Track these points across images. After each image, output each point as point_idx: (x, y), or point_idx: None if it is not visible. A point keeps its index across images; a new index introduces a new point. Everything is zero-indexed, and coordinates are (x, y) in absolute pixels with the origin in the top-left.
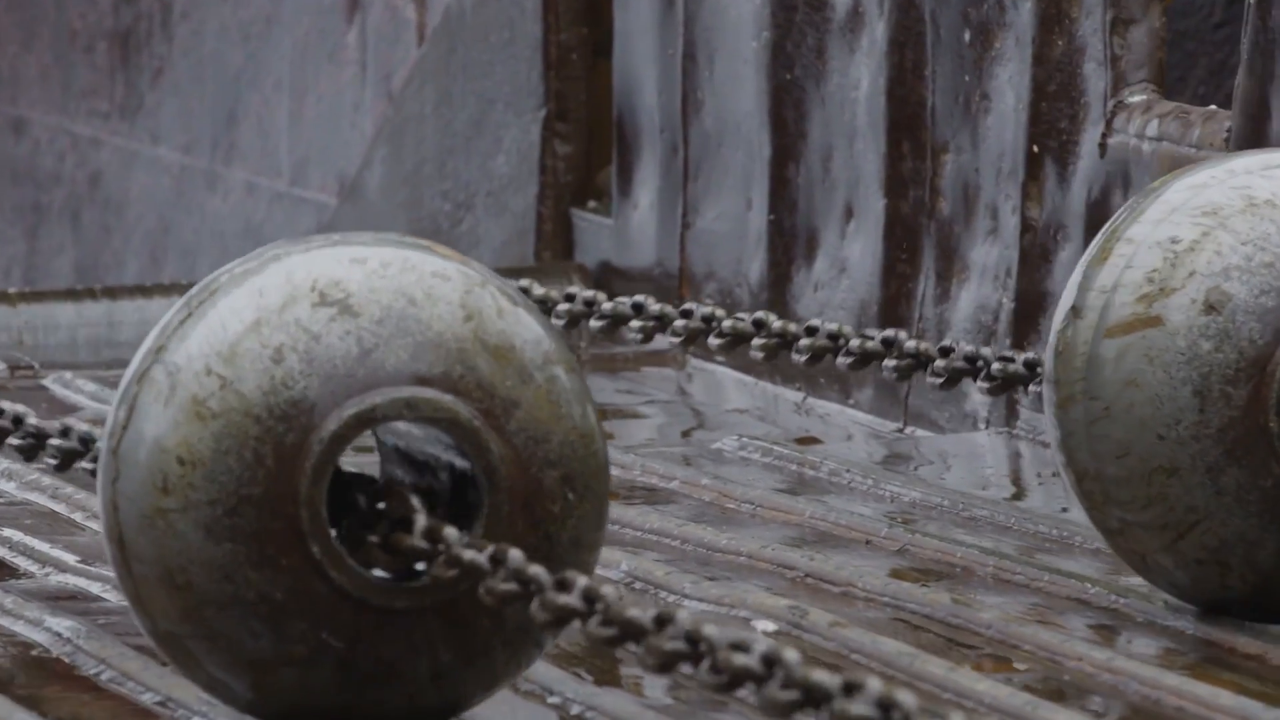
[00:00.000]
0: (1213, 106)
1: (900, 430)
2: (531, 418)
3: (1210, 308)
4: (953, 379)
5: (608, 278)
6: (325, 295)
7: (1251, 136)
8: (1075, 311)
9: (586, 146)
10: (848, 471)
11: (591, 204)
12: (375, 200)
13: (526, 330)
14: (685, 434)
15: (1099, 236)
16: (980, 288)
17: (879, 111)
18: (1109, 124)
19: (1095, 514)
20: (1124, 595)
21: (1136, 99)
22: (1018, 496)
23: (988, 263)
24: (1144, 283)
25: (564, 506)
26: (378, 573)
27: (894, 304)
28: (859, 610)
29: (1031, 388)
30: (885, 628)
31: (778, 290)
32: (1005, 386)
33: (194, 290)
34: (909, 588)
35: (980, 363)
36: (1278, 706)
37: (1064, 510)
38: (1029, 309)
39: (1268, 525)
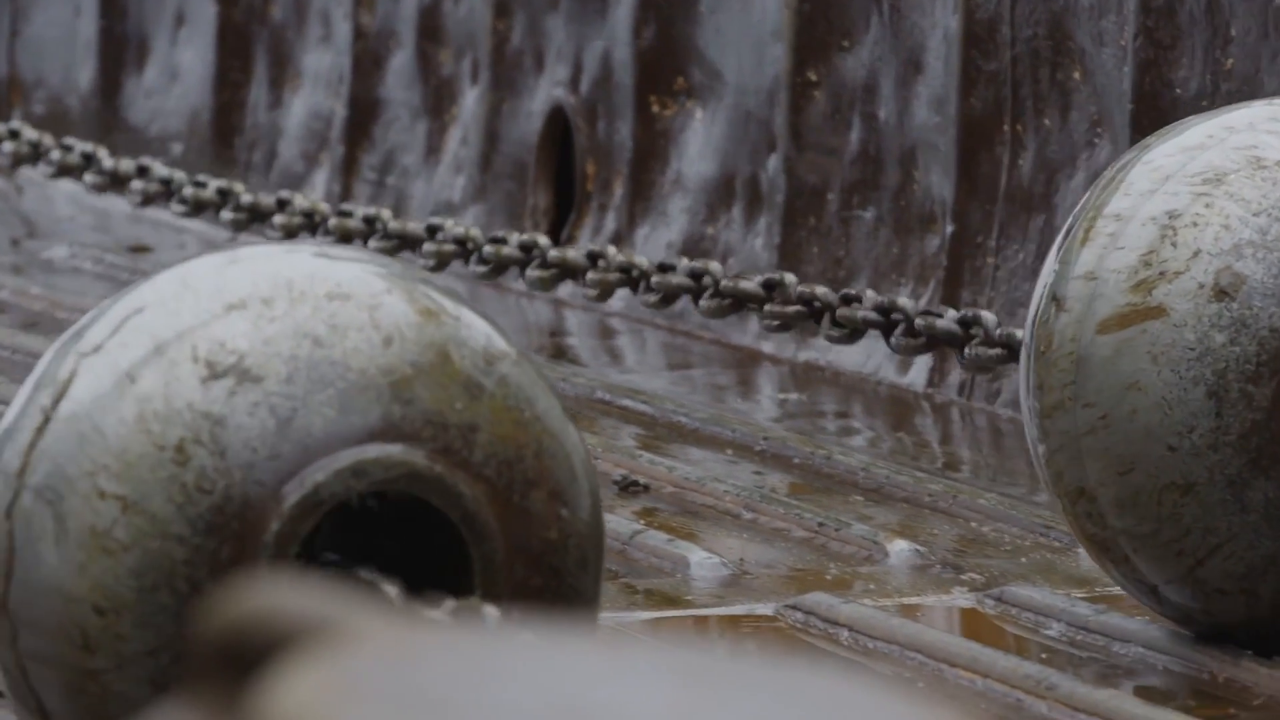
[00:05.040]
0: None
1: (232, 238)
2: (495, 437)
3: (1222, 293)
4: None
5: None
6: (214, 364)
7: None
8: (1057, 302)
9: None
10: None
11: None
12: None
13: (455, 329)
14: (15, 243)
15: (1075, 214)
16: (313, 94)
17: None
18: None
19: (1093, 540)
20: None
21: None
22: None
23: (320, 69)
24: (1139, 266)
25: (561, 529)
26: None
27: (226, 112)
28: None
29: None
30: None
31: (108, 98)
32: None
33: (35, 379)
34: None
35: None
36: None
37: None
38: (361, 116)
39: None
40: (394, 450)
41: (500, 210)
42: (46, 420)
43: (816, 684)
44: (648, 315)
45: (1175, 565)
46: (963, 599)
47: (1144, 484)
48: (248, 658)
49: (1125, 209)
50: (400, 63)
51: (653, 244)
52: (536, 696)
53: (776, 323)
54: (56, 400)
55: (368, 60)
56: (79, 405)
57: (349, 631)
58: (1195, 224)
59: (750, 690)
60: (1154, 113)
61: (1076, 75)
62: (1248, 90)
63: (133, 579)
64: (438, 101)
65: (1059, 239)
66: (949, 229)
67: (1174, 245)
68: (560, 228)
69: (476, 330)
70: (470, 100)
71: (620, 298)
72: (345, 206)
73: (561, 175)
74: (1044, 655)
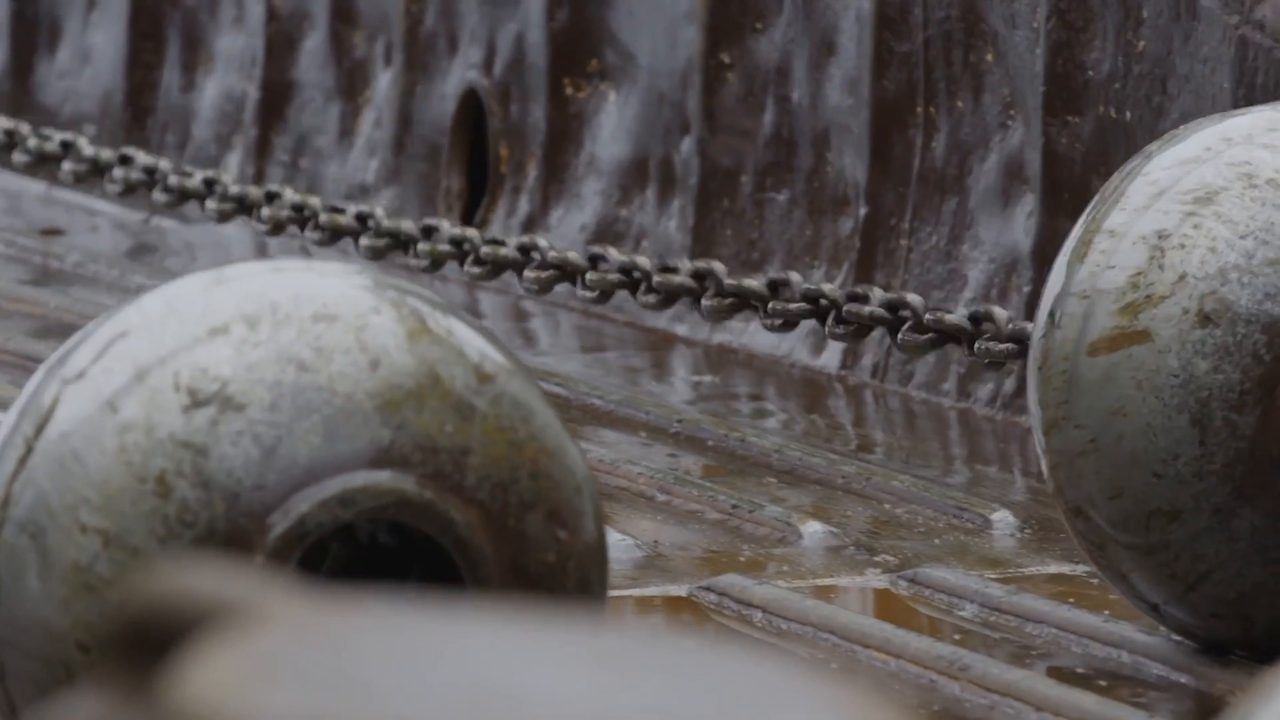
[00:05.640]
0: None
1: (146, 221)
2: (488, 459)
3: (1206, 319)
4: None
5: None
6: (196, 392)
7: None
8: (1052, 320)
9: None
10: (93, 263)
11: None
12: None
13: (446, 348)
14: None
15: (1079, 225)
16: (226, 76)
17: None
18: None
19: (1096, 557)
20: None
21: None
22: None
23: (233, 51)
24: (1127, 288)
25: (559, 551)
26: None
27: (139, 94)
28: None
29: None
30: None
31: (20, 80)
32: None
33: (20, 405)
34: None
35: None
36: None
37: None
38: (274, 98)
39: None
40: (382, 477)
41: (414, 193)
42: (29, 450)
43: (730, 665)
44: (561, 298)
45: (1169, 588)
46: (876, 580)
47: (1132, 510)
48: (160, 641)
49: (1120, 225)
50: (313, 44)
51: (566, 226)
52: (452, 677)
53: (709, 316)
54: (39, 429)
55: (281, 42)
56: (61, 435)
57: (263, 613)
58: (1183, 245)
59: (664, 672)
60: (1066, 94)
61: (989, 57)
62: (1159, 72)
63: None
64: (351, 84)
65: (1067, 245)
66: (862, 211)
67: (1161, 268)
68: (473, 210)
69: (469, 347)
70: (384, 82)
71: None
72: (272, 188)
73: (475, 158)
74: (957, 636)
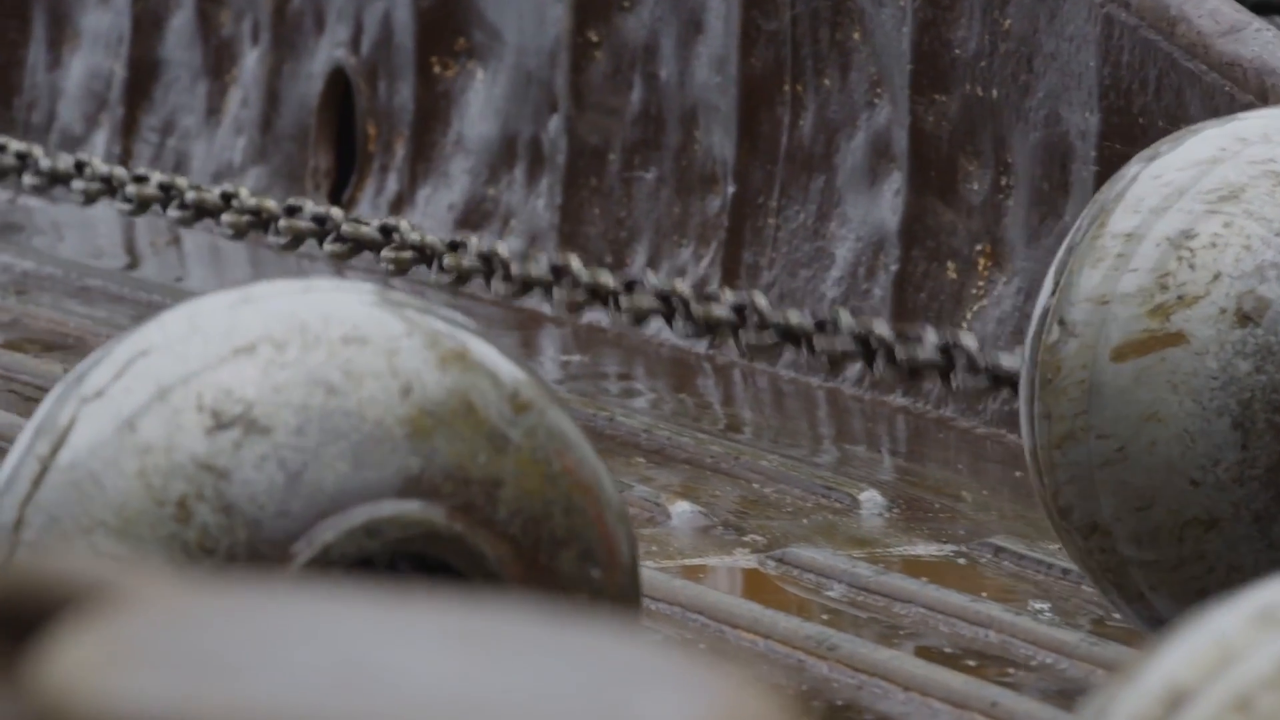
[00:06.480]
0: None
1: (12, 201)
2: (522, 492)
3: (1245, 318)
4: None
5: None
6: (219, 414)
7: None
8: (1065, 327)
9: None
10: None
11: None
12: None
13: (480, 375)
14: None
15: (1078, 231)
16: (93, 55)
17: None
18: None
19: (1107, 578)
20: None
21: None
22: (132, 266)
23: (100, 29)
24: (1155, 290)
25: (591, 590)
26: None
27: (5, 72)
28: None
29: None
30: None
31: None
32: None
33: (36, 424)
34: (22, 359)
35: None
36: None
37: (178, 279)
38: (141, 77)
39: None
40: (411, 507)
41: (281, 172)
42: (44, 470)
43: (598, 645)
44: (430, 276)
45: (1196, 602)
46: (745, 560)
47: (1164, 520)
48: (23, 624)
49: (1135, 227)
50: (180, 23)
51: (434, 205)
52: (317, 656)
53: (564, 308)
54: (55, 449)
55: (147, 20)
56: (78, 455)
57: (127, 595)
58: (1214, 244)
59: (532, 651)
60: (933, 73)
61: (856, 35)
62: (1025, 50)
63: None
64: (218, 62)
65: (1059, 256)
66: (730, 189)
67: (1192, 267)
68: (341, 189)
69: (504, 375)
70: (251, 61)
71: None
72: (140, 172)
73: (343, 137)
74: (825, 616)
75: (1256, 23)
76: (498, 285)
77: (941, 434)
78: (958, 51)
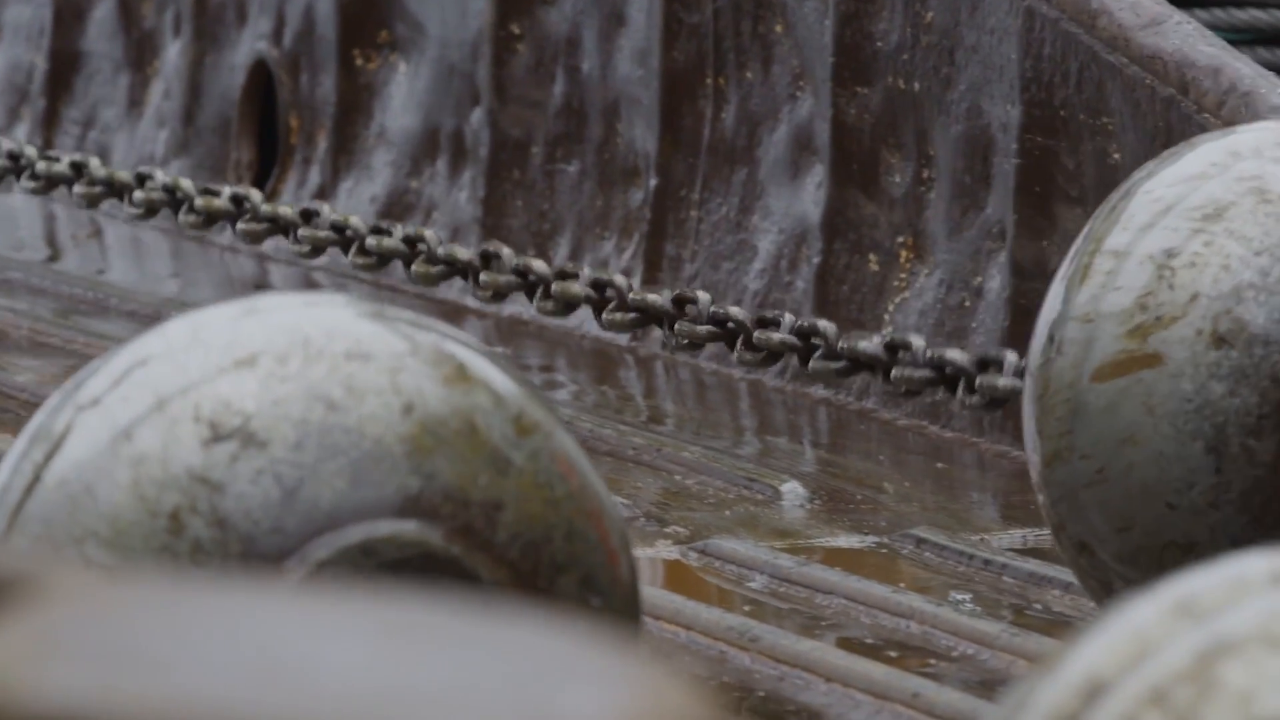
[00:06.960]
0: None
1: None
2: (523, 515)
3: (1220, 340)
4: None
5: None
6: (217, 425)
7: None
8: (1053, 344)
9: None
10: None
11: None
12: None
13: (484, 396)
14: None
15: (1076, 247)
16: (14, 47)
17: None
18: None
19: (1101, 594)
20: None
21: None
22: (53, 259)
23: (20, 21)
24: (1135, 310)
25: (591, 619)
26: None
27: None
28: None
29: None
30: None
31: None
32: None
33: (31, 431)
34: None
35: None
36: None
37: (100, 272)
38: (62, 69)
39: None
40: (408, 528)
41: (204, 164)
42: (37, 479)
43: (519, 638)
44: (352, 270)
45: None
46: (667, 551)
47: (1144, 542)
48: None
49: (1123, 244)
50: (102, 15)
51: (357, 198)
52: (238, 650)
53: (489, 294)
54: (49, 457)
55: (69, 12)
56: (72, 464)
57: (47, 589)
58: (1194, 264)
59: (453, 645)
60: (855, 65)
61: (778, 28)
62: (947, 43)
63: None
64: (140, 54)
65: (1064, 267)
66: (652, 182)
67: (1171, 287)
68: (264, 182)
69: (509, 397)
70: (173, 53)
71: (327, 252)
72: (52, 152)
73: (265, 129)
74: (747, 607)
75: (1177, 16)
76: (422, 268)
77: (863, 426)
78: (879, 44)
